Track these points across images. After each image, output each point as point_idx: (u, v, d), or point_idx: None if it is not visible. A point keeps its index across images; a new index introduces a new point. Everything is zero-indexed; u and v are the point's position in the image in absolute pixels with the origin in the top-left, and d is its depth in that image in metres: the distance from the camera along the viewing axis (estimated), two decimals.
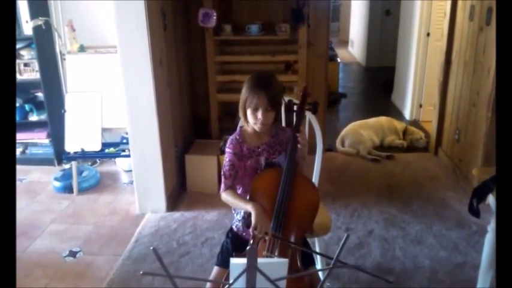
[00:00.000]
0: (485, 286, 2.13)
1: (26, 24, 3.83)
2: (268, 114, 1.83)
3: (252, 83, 1.84)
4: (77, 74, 3.71)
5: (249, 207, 1.75)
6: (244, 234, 1.93)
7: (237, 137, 1.94)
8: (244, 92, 1.85)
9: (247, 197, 1.84)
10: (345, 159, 4.29)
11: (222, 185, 1.92)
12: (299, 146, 1.84)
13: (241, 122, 2.01)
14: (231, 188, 1.90)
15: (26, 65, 3.97)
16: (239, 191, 1.97)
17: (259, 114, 1.81)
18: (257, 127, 1.86)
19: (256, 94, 1.80)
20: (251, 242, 1.75)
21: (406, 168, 4.07)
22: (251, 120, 1.85)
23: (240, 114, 1.90)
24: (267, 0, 3.93)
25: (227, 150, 1.93)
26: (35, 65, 3.93)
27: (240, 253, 1.74)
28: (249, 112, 1.84)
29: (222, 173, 1.93)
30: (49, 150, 4.19)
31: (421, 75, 5.17)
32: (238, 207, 1.89)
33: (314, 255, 1.98)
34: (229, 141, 1.95)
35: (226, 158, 1.92)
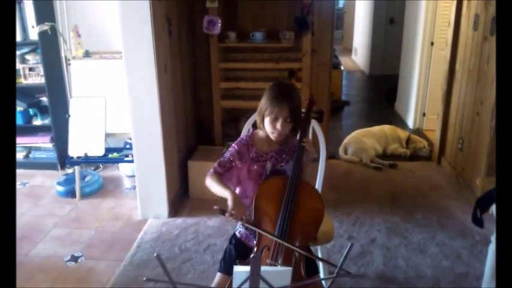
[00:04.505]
0: None
1: (32, 29, 3.85)
2: (286, 125, 1.84)
3: (275, 93, 1.84)
4: (82, 79, 3.72)
5: (227, 193, 1.77)
6: (248, 240, 1.93)
7: (247, 139, 1.95)
8: (265, 100, 1.85)
9: (253, 203, 1.84)
10: (348, 167, 4.29)
11: (212, 169, 1.91)
12: (310, 155, 1.85)
13: (246, 126, 2.02)
14: (219, 175, 1.90)
15: (31, 69, 3.99)
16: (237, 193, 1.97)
17: (278, 125, 1.82)
18: (273, 136, 1.87)
19: (278, 105, 1.80)
20: (255, 249, 1.75)
21: (409, 176, 4.06)
22: (268, 129, 1.86)
23: (257, 120, 1.91)
24: (271, 8, 3.95)
25: (233, 145, 1.95)
26: (40, 69, 3.95)
27: (243, 260, 1.74)
28: (267, 121, 1.85)
29: (217, 160, 1.93)
30: (52, 154, 4.20)
31: (424, 84, 5.18)
32: (218, 192, 1.86)
33: (318, 263, 1.97)
34: (239, 139, 1.97)
35: (228, 151, 1.94)
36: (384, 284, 2.62)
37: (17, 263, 2.75)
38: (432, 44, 5.02)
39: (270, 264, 1.65)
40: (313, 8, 3.70)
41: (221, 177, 1.90)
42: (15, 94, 3.57)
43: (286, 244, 1.67)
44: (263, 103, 1.86)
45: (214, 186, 1.87)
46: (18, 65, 3.94)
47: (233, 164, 1.92)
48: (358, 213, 3.38)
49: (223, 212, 1.71)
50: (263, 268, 1.16)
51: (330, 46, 4.03)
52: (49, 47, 3.94)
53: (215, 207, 1.73)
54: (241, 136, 1.99)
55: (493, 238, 2.09)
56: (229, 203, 1.73)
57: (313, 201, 1.85)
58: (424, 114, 5.29)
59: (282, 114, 1.81)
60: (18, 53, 3.90)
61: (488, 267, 2.13)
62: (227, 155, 1.93)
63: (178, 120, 3.55)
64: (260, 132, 1.94)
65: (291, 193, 1.78)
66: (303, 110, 2.02)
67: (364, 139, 4.48)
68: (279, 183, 1.84)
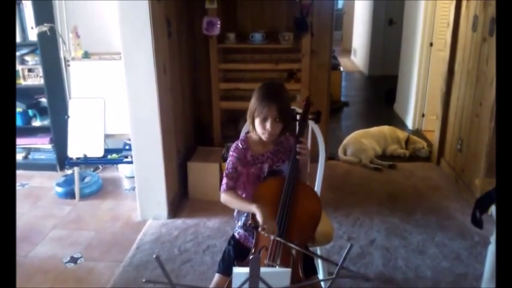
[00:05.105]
0: None
1: (31, 30, 3.85)
2: (276, 125, 1.83)
3: (263, 93, 1.84)
4: (81, 80, 3.72)
5: (253, 208, 1.76)
6: (246, 241, 1.93)
7: (242, 144, 1.95)
8: (253, 101, 1.85)
9: None
10: (347, 168, 4.29)
11: (224, 186, 1.92)
12: (300, 156, 1.85)
13: (245, 127, 2.01)
14: (232, 189, 1.91)
15: (30, 70, 3.99)
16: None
17: (268, 125, 1.82)
18: (264, 137, 1.87)
19: (266, 105, 1.80)
20: (253, 250, 1.75)
21: (408, 177, 4.06)
22: (259, 130, 1.86)
23: (248, 122, 1.91)
24: (270, 9, 3.96)
25: (231, 153, 1.94)
26: (39, 70, 3.95)
27: (241, 261, 1.74)
28: (257, 122, 1.84)
29: (224, 174, 1.94)
30: (52, 155, 4.20)
31: (423, 85, 5.18)
32: (241, 208, 1.88)
33: (316, 264, 1.97)
34: (234, 146, 1.96)
35: (230, 161, 1.93)
36: (383, 285, 2.62)
37: (16, 264, 2.75)
38: (431, 44, 5.02)
39: (268, 265, 1.65)
40: (313, 9, 3.70)
41: (237, 191, 1.91)
42: (15, 95, 3.56)
43: (294, 247, 1.67)
44: (252, 104, 1.86)
45: (234, 203, 1.88)
46: (18, 66, 3.94)
47: (238, 172, 1.92)
48: (358, 214, 3.38)
49: (255, 227, 1.72)
50: (262, 269, 1.16)
51: (329, 47, 4.03)
52: (48, 48, 3.94)
53: (249, 222, 1.78)
54: (235, 142, 1.99)
55: (492, 239, 2.09)
56: (260, 218, 1.71)
57: (310, 202, 1.85)
58: (423, 115, 5.29)
59: (271, 114, 1.81)
60: (17, 54, 3.90)
61: (488, 268, 2.13)
62: (230, 166, 1.93)
63: (177, 121, 3.55)
64: (253, 135, 1.94)
65: (288, 194, 1.78)
66: (300, 111, 2.02)
67: (364, 140, 4.48)
68: (276, 184, 1.84)
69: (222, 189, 1.92)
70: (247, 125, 2.18)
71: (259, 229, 1.69)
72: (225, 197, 1.91)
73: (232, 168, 1.92)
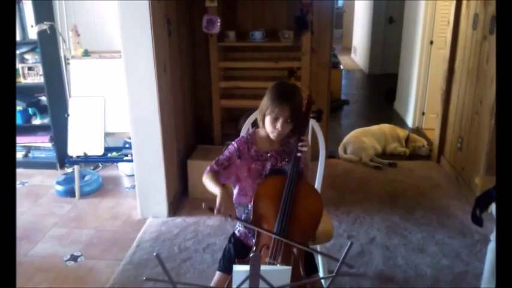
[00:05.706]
0: None
1: (31, 29, 3.85)
2: (286, 126, 1.84)
3: (276, 93, 1.84)
4: (81, 79, 3.72)
5: (217, 190, 1.76)
6: (246, 239, 1.93)
7: (248, 137, 1.96)
8: (266, 99, 1.86)
9: (251, 202, 1.84)
10: (347, 166, 4.29)
11: (208, 167, 1.91)
12: (301, 154, 1.85)
13: (245, 125, 2.01)
14: (215, 173, 1.89)
15: (30, 69, 3.99)
16: (235, 190, 1.97)
17: (278, 125, 1.83)
18: (273, 136, 1.88)
19: (278, 105, 1.81)
20: (254, 249, 1.76)
21: (409, 176, 4.06)
22: (268, 128, 1.86)
23: (258, 118, 1.91)
24: (271, 7, 3.95)
25: (233, 143, 1.95)
26: (39, 69, 3.95)
27: (242, 259, 1.74)
28: (267, 120, 1.85)
29: (216, 158, 1.93)
30: (52, 154, 4.20)
31: (424, 83, 5.18)
32: (210, 189, 1.86)
33: (317, 262, 1.97)
34: (239, 137, 1.97)
35: (227, 151, 1.94)
36: (383, 284, 2.62)
37: (16, 263, 2.75)
38: (431, 43, 5.02)
39: (269, 263, 1.65)
40: (313, 7, 3.69)
41: (216, 175, 1.89)
42: (15, 93, 3.56)
43: (285, 240, 1.67)
44: (264, 102, 1.86)
45: (208, 184, 1.86)
46: (18, 65, 3.94)
47: (231, 162, 1.92)
48: (358, 212, 3.38)
49: (211, 209, 1.70)
50: (262, 267, 1.16)
51: (329, 45, 4.03)
52: (48, 47, 3.94)
53: (203, 204, 1.71)
54: (241, 135, 2.00)
55: (493, 237, 2.09)
56: (217, 199, 1.72)
57: (311, 200, 1.85)
58: (423, 113, 5.29)
59: (282, 115, 1.82)
60: (17, 52, 3.90)
61: (488, 266, 2.13)
62: (226, 153, 1.94)
63: (177, 119, 3.55)
64: (261, 131, 1.95)
65: (289, 192, 1.78)
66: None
67: (364, 138, 4.48)
68: (278, 182, 1.84)
69: (206, 170, 1.91)
70: (248, 122, 2.18)
71: (215, 212, 1.68)
72: (204, 177, 1.89)
73: (227, 157, 1.92)
